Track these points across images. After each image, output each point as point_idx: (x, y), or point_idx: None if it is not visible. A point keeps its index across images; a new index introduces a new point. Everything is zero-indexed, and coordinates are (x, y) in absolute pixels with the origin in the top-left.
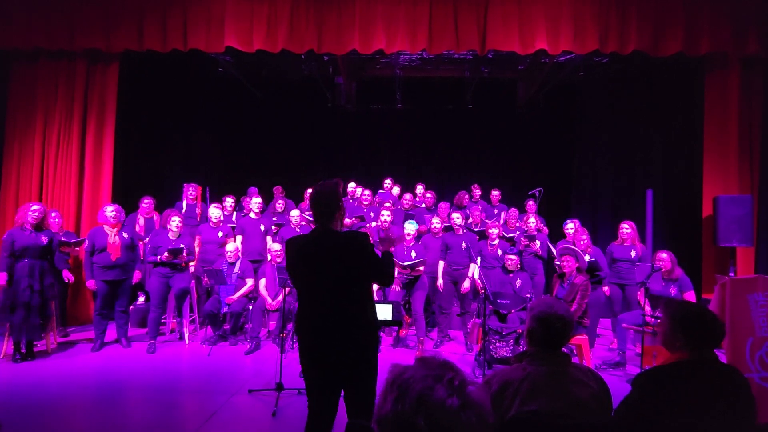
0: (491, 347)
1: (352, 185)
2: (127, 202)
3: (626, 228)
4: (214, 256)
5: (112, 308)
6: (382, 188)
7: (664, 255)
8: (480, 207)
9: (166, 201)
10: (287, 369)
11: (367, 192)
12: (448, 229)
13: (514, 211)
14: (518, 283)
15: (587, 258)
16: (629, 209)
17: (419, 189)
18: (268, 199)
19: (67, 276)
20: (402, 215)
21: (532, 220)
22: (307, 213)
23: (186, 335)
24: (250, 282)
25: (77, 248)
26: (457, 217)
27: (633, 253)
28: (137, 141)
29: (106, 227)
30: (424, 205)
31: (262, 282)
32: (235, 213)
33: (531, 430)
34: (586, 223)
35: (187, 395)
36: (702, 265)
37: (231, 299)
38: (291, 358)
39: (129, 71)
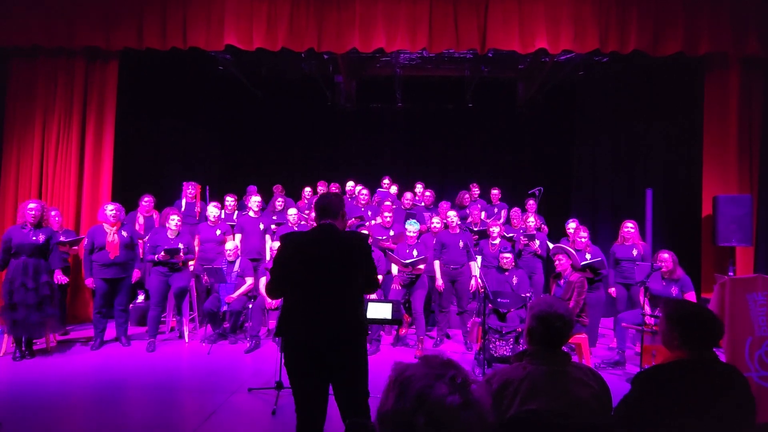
0: (491, 346)
1: (350, 184)
2: (127, 200)
3: (630, 227)
4: (214, 255)
5: (112, 306)
6: (381, 187)
7: (665, 255)
8: (479, 206)
9: (166, 199)
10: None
11: (365, 191)
12: (446, 227)
13: (516, 211)
14: (515, 280)
15: (588, 257)
16: (629, 209)
17: (418, 188)
18: (267, 198)
19: (59, 278)
20: (402, 214)
21: (532, 220)
22: (306, 212)
23: (186, 334)
24: (249, 280)
25: (75, 247)
26: (453, 215)
27: (635, 252)
28: (137, 139)
29: (105, 225)
30: (423, 204)
31: (263, 280)
32: (236, 212)
33: (531, 429)
34: (586, 222)
35: (187, 394)
36: (701, 265)
37: (231, 298)
38: None
39: (128, 69)
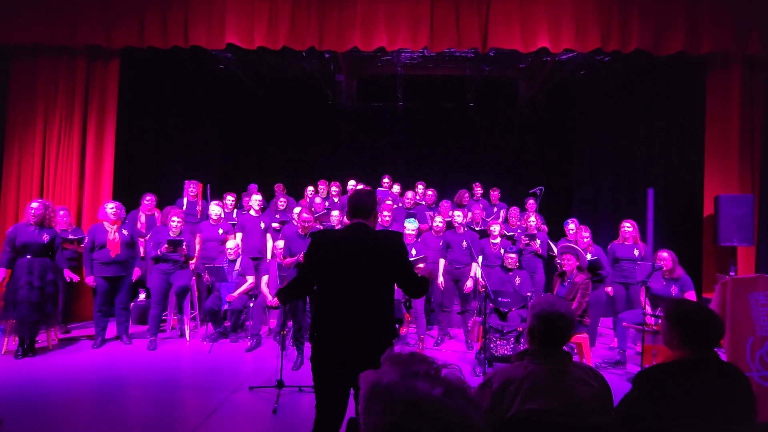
0: (492, 345)
1: (351, 183)
2: (128, 199)
3: (628, 227)
4: (215, 253)
5: (113, 305)
6: (381, 186)
7: (665, 254)
8: (481, 205)
9: (167, 198)
10: (288, 366)
11: None
12: (449, 227)
13: (515, 210)
14: (518, 280)
15: (588, 257)
16: (630, 208)
17: (419, 188)
18: (268, 197)
19: (69, 275)
20: (403, 213)
21: (533, 219)
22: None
23: (187, 332)
24: (250, 279)
25: (80, 245)
26: (458, 215)
27: (636, 252)
28: (138, 138)
29: (106, 224)
30: (424, 203)
31: (265, 279)
32: (235, 210)
33: (532, 428)
34: (587, 222)
35: (188, 392)
36: (703, 265)
37: (232, 296)
38: (291, 356)
39: (130, 68)
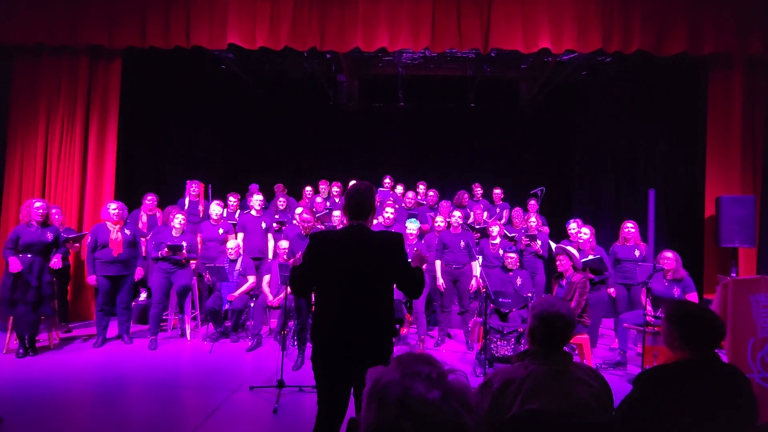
0: (492, 346)
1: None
2: (130, 198)
3: (630, 227)
4: (216, 253)
5: (114, 304)
6: (383, 186)
7: (669, 254)
8: (482, 206)
9: (169, 198)
10: (288, 366)
11: None
12: (449, 227)
13: (518, 210)
14: (519, 281)
15: (590, 256)
16: (631, 209)
17: (420, 188)
18: (269, 197)
19: (54, 262)
20: (405, 214)
21: (533, 220)
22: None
23: (187, 332)
24: (251, 279)
25: (77, 244)
26: (457, 215)
27: (637, 253)
28: (140, 138)
29: (108, 223)
30: (425, 204)
31: (266, 278)
32: (238, 211)
33: (532, 429)
34: (588, 222)
35: (189, 392)
36: (704, 266)
37: (232, 296)
38: (292, 356)
39: (132, 68)
